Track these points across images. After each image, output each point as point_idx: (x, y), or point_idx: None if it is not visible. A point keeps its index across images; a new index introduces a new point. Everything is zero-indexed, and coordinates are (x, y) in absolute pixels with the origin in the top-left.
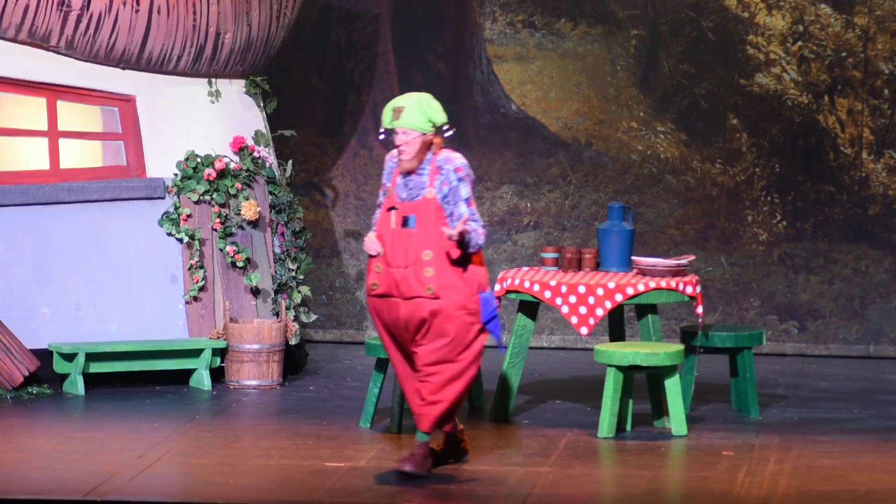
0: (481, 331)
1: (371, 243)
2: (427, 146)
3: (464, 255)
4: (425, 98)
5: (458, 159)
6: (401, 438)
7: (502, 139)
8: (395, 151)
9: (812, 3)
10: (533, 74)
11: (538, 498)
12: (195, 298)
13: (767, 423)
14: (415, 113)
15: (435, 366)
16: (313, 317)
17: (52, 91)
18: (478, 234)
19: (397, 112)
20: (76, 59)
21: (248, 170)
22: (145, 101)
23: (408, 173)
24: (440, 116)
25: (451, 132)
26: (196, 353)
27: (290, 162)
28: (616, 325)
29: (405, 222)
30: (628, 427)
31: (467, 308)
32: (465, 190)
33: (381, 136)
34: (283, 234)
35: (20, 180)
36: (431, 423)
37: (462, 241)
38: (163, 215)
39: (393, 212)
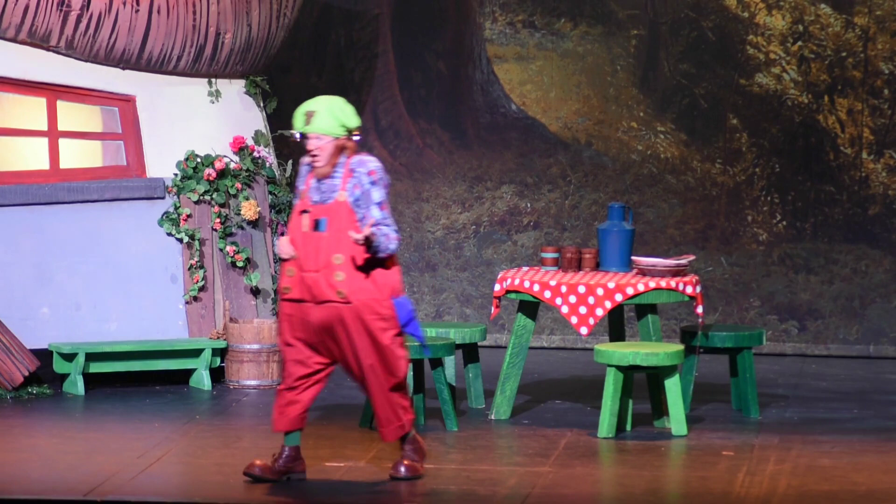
0: (398, 335)
1: (284, 247)
2: (340, 150)
3: (376, 259)
4: (337, 102)
5: (372, 163)
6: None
7: (502, 139)
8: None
9: (812, 3)
10: (533, 74)
11: (538, 498)
12: (195, 298)
13: (767, 423)
14: (326, 117)
15: (370, 381)
16: None
17: (52, 91)
18: (388, 238)
19: (308, 116)
20: (76, 59)
21: (248, 170)
22: (145, 101)
23: (321, 178)
24: (352, 120)
25: (358, 137)
26: (196, 353)
27: (290, 162)
28: (616, 325)
29: (316, 225)
30: (628, 427)
31: (379, 313)
32: (378, 193)
33: (297, 139)
34: (282, 234)
35: (20, 180)
36: (393, 433)
37: (369, 245)
38: (163, 215)
39: (305, 215)
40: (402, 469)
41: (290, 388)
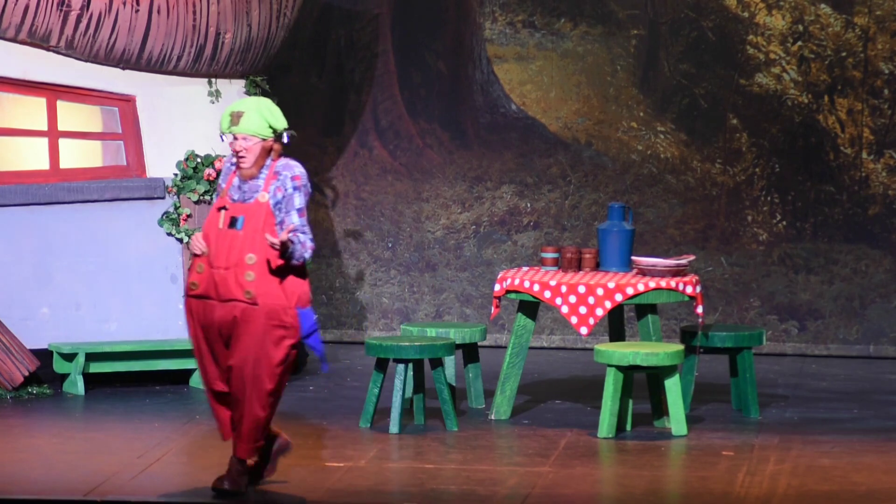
0: (295, 346)
1: (197, 242)
2: (267, 152)
3: (290, 266)
4: (265, 103)
5: (298, 168)
6: (401, 438)
7: (502, 139)
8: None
9: (812, 3)
10: (533, 74)
11: (538, 498)
12: None
13: (767, 423)
14: (255, 118)
15: (247, 387)
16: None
17: (52, 91)
18: (304, 246)
19: (236, 117)
20: (76, 59)
21: None
22: (145, 101)
23: (246, 179)
24: (280, 122)
25: (289, 139)
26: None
27: None
28: (616, 325)
29: (233, 223)
30: (628, 427)
31: (282, 321)
32: (300, 200)
33: (222, 141)
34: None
35: (20, 180)
36: (249, 451)
37: (285, 250)
38: (163, 215)
39: (222, 211)
40: (226, 483)
41: (212, 392)
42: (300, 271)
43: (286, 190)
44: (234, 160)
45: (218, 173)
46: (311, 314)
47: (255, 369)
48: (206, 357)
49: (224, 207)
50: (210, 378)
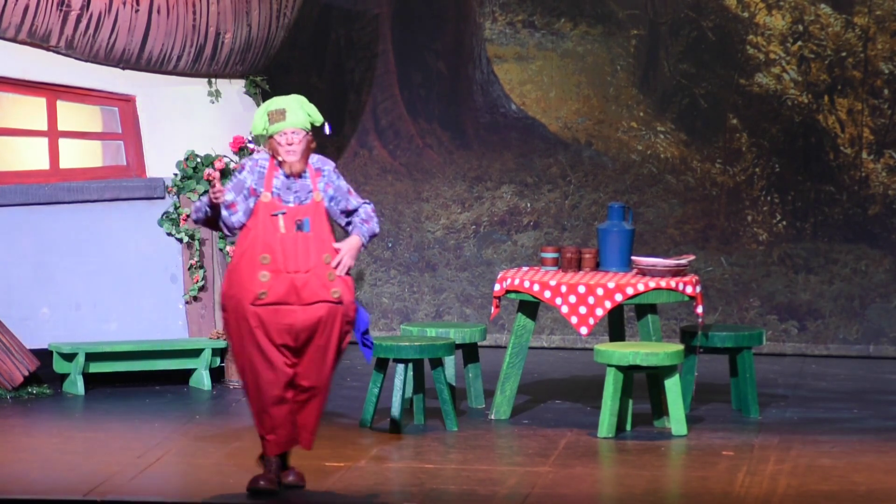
0: (350, 341)
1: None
2: (309, 146)
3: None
4: (301, 98)
5: (329, 160)
6: (401, 438)
7: (502, 139)
8: (257, 156)
9: (812, 3)
10: (533, 74)
11: (538, 498)
12: (195, 298)
13: (767, 423)
14: (299, 113)
15: (324, 381)
16: None
17: (52, 91)
18: (371, 221)
19: (279, 114)
20: (76, 59)
21: None
22: (145, 101)
23: (291, 175)
24: (319, 116)
25: (331, 130)
26: (196, 353)
27: None
28: (616, 325)
29: (299, 226)
30: (628, 427)
31: (349, 316)
32: (345, 182)
33: (257, 145)
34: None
35: (20, 180)
36: (313, 441)
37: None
38: (163, 215)
39: (281, 216)
40: (293, 477)
41: (280, 402)
42: None
43: (333, 183)
44: (262, 162)
45: (222, 172)
46: (364, 310)
47: (328, 369)
48: (275, 363)
49: (282, 212)
50: (272, 385)
